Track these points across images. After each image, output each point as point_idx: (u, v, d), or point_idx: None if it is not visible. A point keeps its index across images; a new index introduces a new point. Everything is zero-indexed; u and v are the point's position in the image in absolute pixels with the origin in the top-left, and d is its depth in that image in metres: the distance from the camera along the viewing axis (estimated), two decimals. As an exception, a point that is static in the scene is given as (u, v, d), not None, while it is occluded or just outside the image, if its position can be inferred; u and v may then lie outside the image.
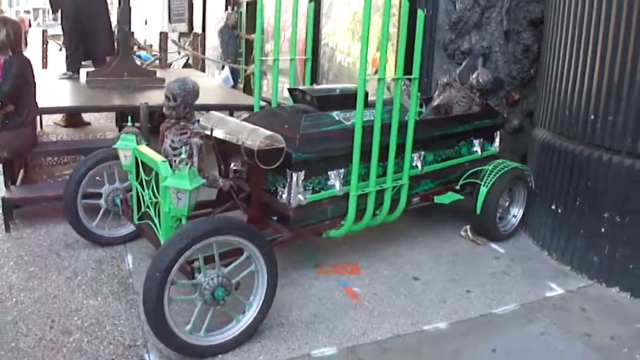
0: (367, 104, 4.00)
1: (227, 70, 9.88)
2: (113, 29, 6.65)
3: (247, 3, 10.95)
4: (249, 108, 5.29)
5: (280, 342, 3.11)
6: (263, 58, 4.60)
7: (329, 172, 3.71)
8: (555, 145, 4.42)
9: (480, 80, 4.66)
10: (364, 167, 3.77)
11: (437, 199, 4.42)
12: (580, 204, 4.18)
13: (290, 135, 3.47)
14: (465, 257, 4.36)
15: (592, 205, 4.08)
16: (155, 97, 5.28)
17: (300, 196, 3.55)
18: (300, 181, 3.54)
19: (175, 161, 3.01)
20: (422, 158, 4.22)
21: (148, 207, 3.38)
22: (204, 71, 10.67)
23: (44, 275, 3.69)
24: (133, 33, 7.26)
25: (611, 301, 3.83)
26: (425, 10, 5.60)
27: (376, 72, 4.31)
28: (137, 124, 6.24)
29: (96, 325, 3.19)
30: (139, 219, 3.62)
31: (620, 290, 3.94)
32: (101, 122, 7.33)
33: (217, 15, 12.76)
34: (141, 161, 3.43)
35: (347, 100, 3.90)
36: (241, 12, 11.21)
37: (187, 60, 11.07)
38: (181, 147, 3.34)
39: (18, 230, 4.34)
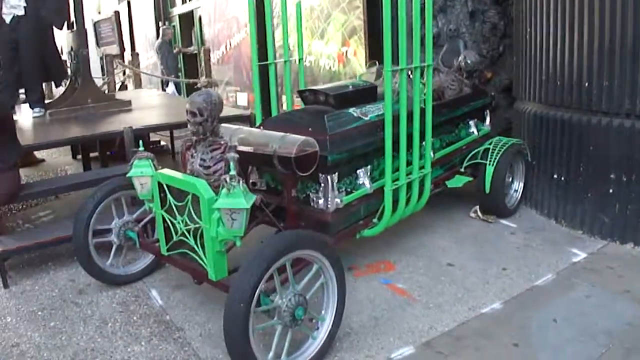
0: (378, 98, 3.97)
1: (172, 86, 9.63)
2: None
3: (179, 16, 10.65)
4: (239, 118, 5.06)
5: (356, 352, 2.98)
6: (261, 63, 4.35)
7: (358, 171, 3.62)
8: (549, 117, 4.53)
9: (469, 61, 4.71)
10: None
11: (450, 184, 4.44)
12: (584, 169, 4.30)
13: (318, 138, 3.34)
14: (484, 236, 4.40)
15: (597, 168, 4.20)
16: (132, 121, 4.97)
17: (337, 199, 3.44)
18: (335, 184, 3.42)
19: (224, 180, 2.79)
20: (432, 145, 4.20)
21: (184, 235, 3.13)
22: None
23: (69, 329, 3.34)
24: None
25: (630, 257, 3.98)
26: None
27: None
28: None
29: (154, 372, 2.94)
30: (168, 250, 3.35)
31: (635, 246, 4.09)
32: (55, 157, 6.86)
33: (145, 33, 12.47)
34: (167, 186, 3.18)
35: (360, 95, 3.83)
36: (174, 26, 10.91)
37: (123, 82, 10.63)
38: (215, 164, 3.14)
39: (17, 284, 3.92)
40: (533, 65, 4.66)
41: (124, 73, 10.44)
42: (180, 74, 10.45)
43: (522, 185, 4.84)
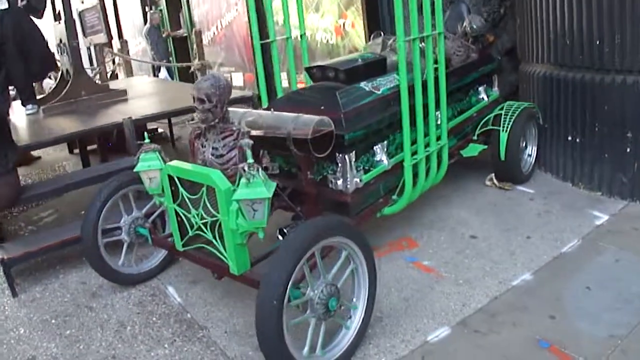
0: (388, 70, 3.82)
1: (164, 71, 9.46)
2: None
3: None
4: (242, 100, 4.89)
5: (391, 338, 2.87)
6: (262, 42, 4.12)
7: (375, 147, 3.48)
8: (560, 78, 4.39)
9: (474, 26, 4.54)
10: (401, 136, 3.59)
11: (465, 153, 4.31)
12: (599, 130, 4.18)
13: (332, 116, 3.17)
14: (503, 204, 4.29)
15: (613, 128, 4.09)
16: (130, 111, 4.78)
17: (356, 179, 3.30)
18: (353, 163, 3.27)
19: (242, 169, 2.64)
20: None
21: (200, 228, 2.98)
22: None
23: (87, 336, 3.19)
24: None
25: (652, 216, 3.89)
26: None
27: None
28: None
29: (183, 376, 2.81)
30: (183, 245, 3.19)
31: (655, 204, 4.00)
32: (50, 154, 6.65)
33: (132, 19, 12.20)
34: (178, 179, 3.02)
35: (369, 69, 3.67)
36: (161, 10, 10.71)
37: (113, 71, 10.41)
38: (228, 152, 2.98)
39: (26, 292, 3.75)
40: (540, 25, 4.49)
41: (114, 62, 10.22)
42: (171, 58, 10.27)
43: (535, 149, 4.71)
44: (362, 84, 3.53)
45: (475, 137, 4.49)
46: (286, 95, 3.88)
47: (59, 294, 3.70)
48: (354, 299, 2.80)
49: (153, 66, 10.69)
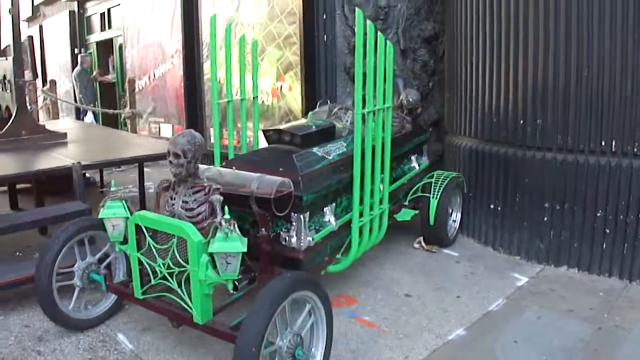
0: (336, 137, 4.11)
1: (91, 115, 9.35)
2: None
3: (97, 43, 10.36)
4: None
5: (345, 388, 3.07)
6: (220, 101, 4.33)
7: (324, 209, 3.72)
8: (485, 151, 4.87)
9: (411, 99, 4.96)
10: (346, 199, 3.87)
11: (399, 217, 4.62)
12: (520, 200, 4.65)
13: (291, 178, 3.41)
14: (432, 266, 4.63)
15: (533, 198, 4.57)
16: (73, 155, 4.74)
17: (309, 238, 3.52)
18: (307, 222, 3.50)
19: (220, 224, 2.80)
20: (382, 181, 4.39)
21: (165, 278, 3.07)
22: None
23: (37, 381, 3.17)
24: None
25: (567, 278, 4.36)
26: (325, 36, 5.80)
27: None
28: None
29: None
30: (143, 293, 3.26)
31: (568, 268, 4.48)
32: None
33: (58, 60, 12.09)
34: (147, 229, 3.11)
35: (321, 135, 3.94)
36: (91, 53, 10.65)
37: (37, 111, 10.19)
38: (198, 206, 3.13)
39: (-38, 335, 3.64)
40: (469, 103, 4.99)
41: (36, 101, 9.99)
42: (97, 102, 10.23)
43: (459, 215, 5.14)
44: (315, 149, 3.81)
45: (406, 203, 4.85)
46: (245, 155, 4.09)
47: (1, 336, 3.60)
48: (313, 349, 2.99)
49: (78, 109, 10.61)
